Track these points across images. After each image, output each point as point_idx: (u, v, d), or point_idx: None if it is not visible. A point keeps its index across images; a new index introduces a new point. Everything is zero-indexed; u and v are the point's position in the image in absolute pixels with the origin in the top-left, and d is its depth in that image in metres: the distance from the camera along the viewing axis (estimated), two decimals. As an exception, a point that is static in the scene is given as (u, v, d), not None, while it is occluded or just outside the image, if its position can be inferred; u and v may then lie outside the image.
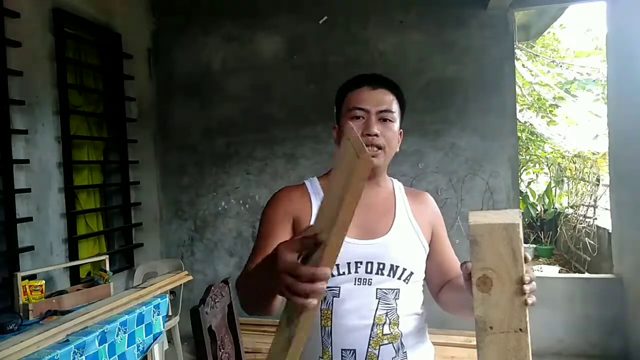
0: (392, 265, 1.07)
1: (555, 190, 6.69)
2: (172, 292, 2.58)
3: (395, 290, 1.06)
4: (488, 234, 0.80)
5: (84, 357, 1.73)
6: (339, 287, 1.05)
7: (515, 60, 3.35)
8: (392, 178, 1.22)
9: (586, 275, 4.28)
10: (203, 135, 3.61)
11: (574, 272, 5.22)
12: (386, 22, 3.33)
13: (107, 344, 1.87)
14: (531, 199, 6.50)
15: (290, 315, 0.70)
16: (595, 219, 5.15)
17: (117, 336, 1.94)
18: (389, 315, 1.05)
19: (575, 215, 5.70)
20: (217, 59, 3.57)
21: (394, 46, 3.32)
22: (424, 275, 1.16)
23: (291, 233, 1.07)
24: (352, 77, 1.16)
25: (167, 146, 3.67)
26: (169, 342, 2.67)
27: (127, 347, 2.01)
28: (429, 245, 1.16)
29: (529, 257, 0.85)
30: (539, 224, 6.44)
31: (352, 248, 1.05)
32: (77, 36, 2.94)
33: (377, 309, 1.04)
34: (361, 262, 1.06)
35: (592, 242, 4.99)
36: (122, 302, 2.10)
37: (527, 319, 0.80)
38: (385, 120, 1.09)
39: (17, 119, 2.43)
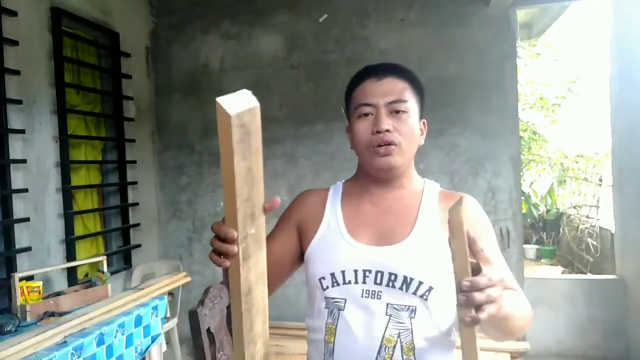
0: (405, 277, 0.90)
1: (558, 190, 6.66)
2: (170, 293, 2.57)
3: (411, 308, 0.90)
4: None
5: (81, 358, 1.73)
6: (345, 300, 0.93)
7: (517, 59, 3.32)
8: (426, 179, 1.07)
9: (588, 276, 4.25)
10: (202, 135, 3.59)
11: (577, 273, 5.19)
12: (387, 20, 3.31)
13: (104, 346, 1.87)
14: (534, 199, 6.47)
15: None
16: (598, 219, 5.12)
17: (115, 338, 1.93)
18: (401, 337, 0.89)
19: (578, 216, 5.68)
20: (215, 57, 3.55)
21: (395, 44, 3.29)
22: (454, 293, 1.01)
23: (294, 237, 1.03)
24: (357, 71, 1.02)
25: (166, 146, 3.65)
26: (167, 344, 2.66)
27: (125, 348, 2.01)
28: None
29: (480, 252, 0.69)
30: (541, 224, 6.42)
31: (360, 254, 0.94)
32: (75, 35, 2.92)
33: (386, 328, 0.89)
34: (370, 271, 0.92)
35: (594, 242, 4.97)
36: (120, 304, 2.10)
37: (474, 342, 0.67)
38: (397, 112, 0.95)
39: (14, 118, 2.41)
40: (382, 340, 0.89)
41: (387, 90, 0.95)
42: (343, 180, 1.09)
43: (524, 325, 0.88)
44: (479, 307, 0.67)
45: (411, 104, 0.97)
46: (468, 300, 0.66)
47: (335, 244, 0.97)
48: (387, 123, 0.93)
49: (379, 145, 0.93)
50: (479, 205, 1.01)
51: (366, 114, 0.95)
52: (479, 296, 0.66)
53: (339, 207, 1.02)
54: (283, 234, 1.03)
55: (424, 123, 1.03)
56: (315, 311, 0.97)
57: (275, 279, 0.96)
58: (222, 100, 0.61)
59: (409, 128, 0.95)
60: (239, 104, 0.62)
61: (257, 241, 0.72)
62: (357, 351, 0.90)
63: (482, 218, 0.99)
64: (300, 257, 1.03)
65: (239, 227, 0.66)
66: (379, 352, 0.88)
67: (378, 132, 0.93)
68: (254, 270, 0.72)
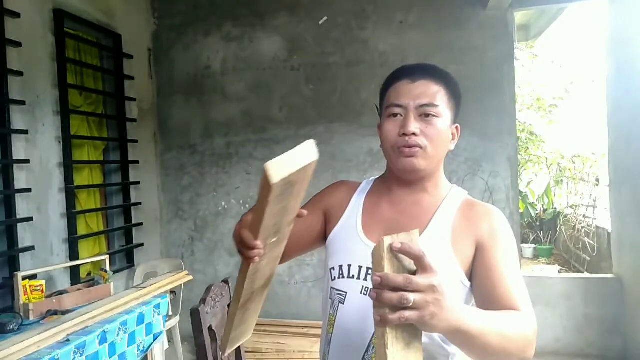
0: None
1: (555, 190, 6.69)
2: (172, 291, 2.58)
3: None
4: None
5: (84, 357, 1.72)
6: (346, 293, 0.94)
7: (515, 61, 3.35)
8: (454, 186, 1.03)
9: (585, 275, 4.28)
10: (203, 135, 3.61)
11: (574, 272, 5.22)
12: (386, 23, 3.34)
13: (107, 344, 1.86)
14: (531, 198, 6.51)
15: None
16: (595, 219, 5.15)
17: (117, 336, 1.93)
18: None
19: (575, 215, 5.71)
20: (217, 59, 3.58)
21: (394, 46, 3.32)
22: None
23: (319, 220, 1.05)
24: (395, 69, 1.01)
25: (168, 146, 3.67)
26: (169, 342, 2.67)
27: (128, 347, 2.00)
28: (473, 270, 0.92)
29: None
30: (538, 224, 6.45)
31: (368, 251, 0.94)
32: (78, 36, 2.94)
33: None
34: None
35: (591, 242, 5.00)
36: (123, 302, 2.10)
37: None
38: (427, 115, 0.93)
39: (17, 119, 2.43)
40: (370, 340, 0.90)
41: (419, 92, 0.94)
42: (376, 176, 1.10)
43: (511, 350, 0.77)
44: (395, 309, 0.64)
45: (442, 109, 0.96)
46: (377, 297, 0.65)
47: (349, 237, 0.99)
48: (414, 126, 0.92)
49: (404, 147, 0.93)
50: (502, 219, 0.96)
51: (395, 115, 0.95)
52: (388, 295, 0.64)
53: (362, 202, 1.04)
54: (310, 215, 1.00)
55: (456, 128, 1.02)
56: (324, 300, 1.02)
57: (292, 252, 0.99)
58: (272, 164, 0.61)
59: (437, 133, 0.94)
60: (292, 164, 0.63)
61: (278, 244, 0.79)
62: (349, 346, 0.92)
63: (500, 231, 0.93)
64: (323, 240, 1.07)
65: (258, 242, 0.73)
66: (366, 351, 0.90)
67: (404, 134, 0.92)
68: (267, 257, 0.78)
